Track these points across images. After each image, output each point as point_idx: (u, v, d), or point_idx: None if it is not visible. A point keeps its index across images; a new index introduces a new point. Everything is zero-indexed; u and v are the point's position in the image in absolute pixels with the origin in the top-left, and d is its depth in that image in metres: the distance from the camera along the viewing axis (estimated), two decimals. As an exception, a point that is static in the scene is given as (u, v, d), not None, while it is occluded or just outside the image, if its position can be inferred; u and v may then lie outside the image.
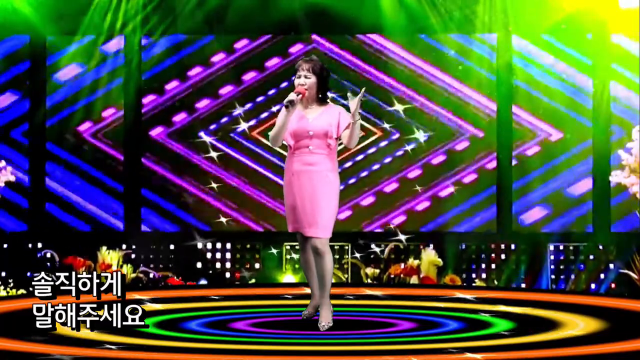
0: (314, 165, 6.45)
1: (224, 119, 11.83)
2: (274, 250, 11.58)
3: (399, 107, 11.74)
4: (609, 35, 11.44)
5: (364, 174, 11.78)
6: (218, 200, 11.81)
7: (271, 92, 11.80)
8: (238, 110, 11.75)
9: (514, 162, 11.63)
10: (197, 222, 11.82)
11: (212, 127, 11.83)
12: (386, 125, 11.75)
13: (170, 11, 11.71)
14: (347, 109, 6.49)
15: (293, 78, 6.54)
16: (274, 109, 11.65)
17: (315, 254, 6.44)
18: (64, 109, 11.82)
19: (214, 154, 11.81)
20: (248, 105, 11.82)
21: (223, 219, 11.76)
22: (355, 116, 6.37)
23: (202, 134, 11.83)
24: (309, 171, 6.44)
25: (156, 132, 11.88)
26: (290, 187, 6.52)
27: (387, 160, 11.79)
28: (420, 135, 11.73)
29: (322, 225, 6.40)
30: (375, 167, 11.79)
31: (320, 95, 6.53)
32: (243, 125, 11.79)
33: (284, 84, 11.70)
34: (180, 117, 11.87)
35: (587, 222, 11.55)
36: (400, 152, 11.78)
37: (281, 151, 10.73)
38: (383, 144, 11.78)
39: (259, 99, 11.82)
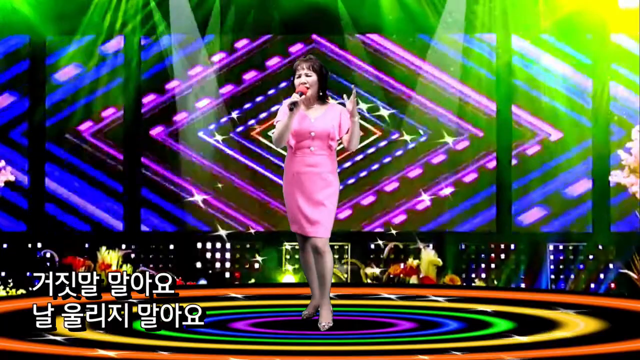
0: (315, 167, 6.45)
1: (224, 119, 11.85)
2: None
3: (398, 107, 11.75)
4: (608, 35, 11.44)
5: (363, 173, 11.78)
6: (218, 200, 11.82)
7: (270, 92, 11.83)
8: (234, 114, 11.78)
9: (513, 162, 11.63)
10: (198, 223, 11.84)
11: (212, 126, 11.84)
12: (385, 126, 11.76)
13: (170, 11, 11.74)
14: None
15: (292, 78, 6.53)
16: (273, 109, 11.68)
17: (315, 254, 6.45)
18: (63, 109, 11.82)
19: (214, 154, 11.83)
20: (247, 106, 11.84)
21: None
22: (354, 115, 6.37)
23: (201, 133, 11.84)
24: (310, 172, 6.44)
25: (156, 131, 11.87)
26: (290, 187, 6.51)
27: (386, 160, 11.79)
28: (420, 135, 11.73)
29: (322, 225, 6.41)
30: (375, 166, 11.79)
31: (320, 94, 6.53)
32: (243, 125, 11.81)
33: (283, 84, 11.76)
34: (180, 117, 11.87)
35: (587, 222, 11.55)
36: (399, 152, 11.78)
37: (281, 151, 10.74)
38: (382, 144, 11.78)
39: (259, 98, 11.84)
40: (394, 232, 11.58)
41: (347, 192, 11.58)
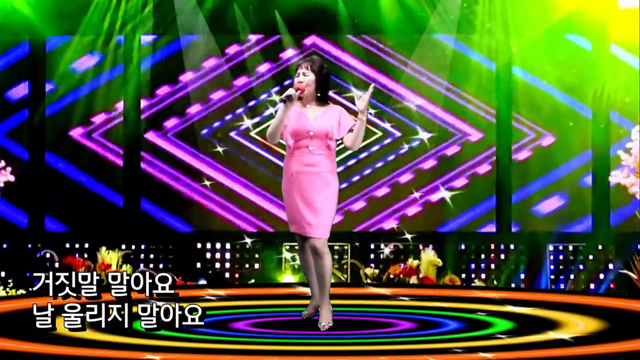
0: (314, 166, 6.45)
1: (221, 121, 11.85)
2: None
3: (398, 107, 11.75)
4: (608, 36, 11.44)
5: (356, 178, 11.77)
6: (217, 200, 11.81)
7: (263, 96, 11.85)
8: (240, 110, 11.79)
9: (513, 163, 11.62)
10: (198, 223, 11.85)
11: (211, 127, 11.84)
12: (386, 126, 11.75)
13: (169, 11, 11.73)
14: (350, 111, 6.52)
15: (294, 77, 6.56)
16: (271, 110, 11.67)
17: (314, 254, 6.45)
18: (62, 108, 11.82)
19: (214, 153, 11.83)
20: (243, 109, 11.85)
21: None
22: (363, 114, 6.36)
23: (201, 133, 11.85)
24: (308, 172, 6.44)
25: (155, 131, 11.87)
26: (289, 187, 6.51)
27: (380, 164, 11.78)
28: (420, 136, 11.72)
29: (321, 225, 6.41)
30: (367, 171, 11.78)
31: (319, 94, 6.54)
32: (244, 125, 11.80)
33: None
34: (178, 119, 11.88)
35: (587, 222, 11.56)
36: (395, 156, 11.77)
37: (281, 151, 10.74)
38: (375, 148, 11.77)
39: (252, 102, 11.85)
40: (408, 235, 11.58)
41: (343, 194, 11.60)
